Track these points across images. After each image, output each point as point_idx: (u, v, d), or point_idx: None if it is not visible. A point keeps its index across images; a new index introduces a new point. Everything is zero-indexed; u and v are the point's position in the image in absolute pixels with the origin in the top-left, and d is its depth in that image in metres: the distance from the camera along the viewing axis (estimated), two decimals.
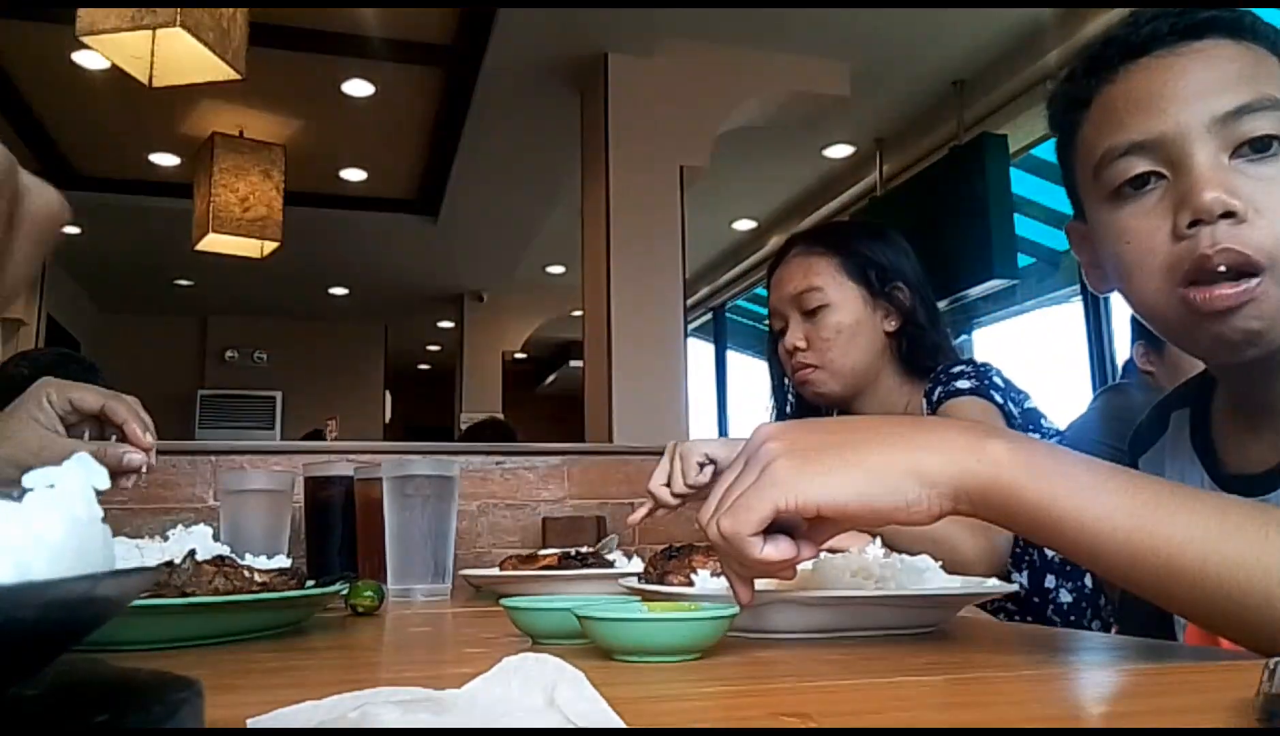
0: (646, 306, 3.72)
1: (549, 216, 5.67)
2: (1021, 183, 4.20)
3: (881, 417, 1.12)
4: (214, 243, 4.30)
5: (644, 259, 3.76)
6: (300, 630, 0.81)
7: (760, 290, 6.52)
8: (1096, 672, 0.56)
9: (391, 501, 1.20)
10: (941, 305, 1.58)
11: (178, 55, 2.69)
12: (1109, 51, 0.76)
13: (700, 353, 7.18)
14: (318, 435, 5.75)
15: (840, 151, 4.92)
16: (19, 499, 0.27)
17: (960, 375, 1.30)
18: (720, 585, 0.73)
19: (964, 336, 4.73)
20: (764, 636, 0.67)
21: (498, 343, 8.02)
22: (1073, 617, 1.30)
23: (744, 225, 6.11)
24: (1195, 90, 0.70)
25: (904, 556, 0.77)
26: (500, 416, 6.43)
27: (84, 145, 4.92)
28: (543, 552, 1.22)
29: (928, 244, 1.73)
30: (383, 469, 1.23)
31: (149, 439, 1.01)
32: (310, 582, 0.83)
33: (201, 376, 8.01)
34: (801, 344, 1.42)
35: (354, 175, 5.44)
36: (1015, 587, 0.82)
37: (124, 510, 2.03)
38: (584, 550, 1.20)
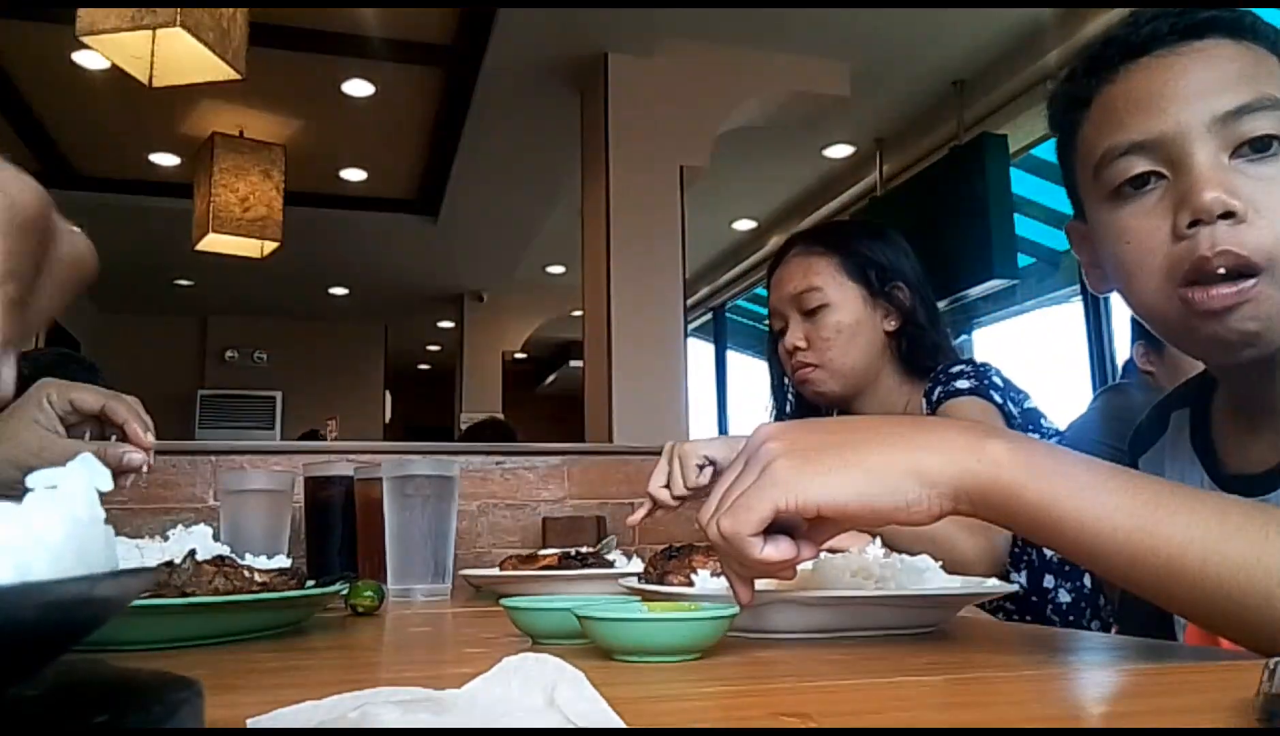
0: (646, 306, 3.72)
1: (549, 216, 5.67)
2: (1021, 183, 4.20)
3: (881, 418, 1.12)
4: (214, 243, 4.30)
5: (644, 259, 3.76)
6: (300, 630, 0.81)
7: (760, 290, 6.52)
8: (1096, 672, 0.56)
9: (391, 501, 1.20)
10: (941, 305, 1.58)
11: (178, 55, 2.69)
12: (1109, 51, 0.76)
13: (700, 353, 7.18)
14: (314, 435, 5.75)
15: (840, 151, 4.92)
16: (21, 500, 0.27)
17: (960, 375, 1.30)
18: (720, 585, 0.73)
19: (964, 336, 4.73)
20: (764, 636, 0.67)
21: (498, 343, 8.03)
22: (1071, 617, 1.30)
23: (744, 225, 6.11)
24: (1195, 90, 0.70)
25: (904, 556, 0.77)
26: (500, 416, 6.43)
27: (84, 145, 4.92)
28: (543, 552, 1.22)
29: (928, 244, 1.73)
30: (383, 469, 1.23)
31: (150, 439, 1.01)
32: (310, 582, 0.83)
33: (201, 376, 8.00)
34: (801, 343, 1.42)
35: (354, 175, 5.44)
36: (1015, 588, 0.82)
37: (124, 510, 2.03)
38: (584, 550, 1.20)
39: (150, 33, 2.61)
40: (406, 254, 6.59)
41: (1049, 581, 1.30)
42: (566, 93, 4.11)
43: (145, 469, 1.00)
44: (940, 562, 0.78)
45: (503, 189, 5.28)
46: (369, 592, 0.95)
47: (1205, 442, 0.83)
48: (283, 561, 0.86)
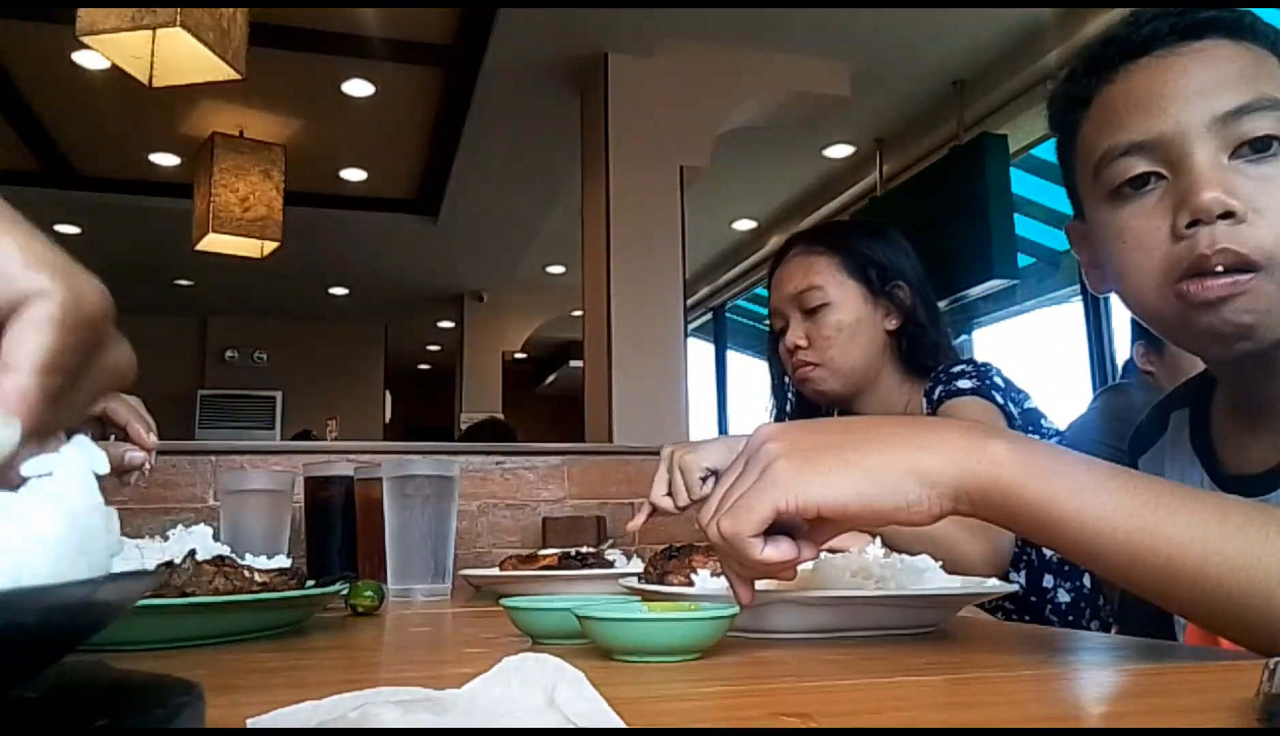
0: (646, 306, 3.72)
1: (549, 216, 5.67)
2: (1021, 183, 4.20)
3: (882, 418, 1.12)
4: (214, 243, 4.30)
5: (644, 259, 3.76)
6: (300, 630, 0.81)
7: (760, 290, 6.52)
8: (1096, 672, 0.56)
9: (391, 501, 1.20)
10: (941, 305, 1.58)
11: (178, 55, 2.69)
12: (1109, 51, 0.76)
13: (700, 353, 7.18)
14: (307, 435, 5.75)
15: (840, 151, 4.92)
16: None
17: (961, 375, 1.30)
18: (720, 585, 0.73)
19: (964, 336, 4.73)
20: (764, 636, 0.67)
21: (498, 343, 8.03)
22: (1071, 617, 1.30)
23: (744, 225, 6.11)
24: (1195, 90, 0.70)
25: (904, 556, 0.77)
26: (500, 416, 6.43)
27: (84, 145, 4.92)
28: (543, 552, 1.22)
29: (928, 244, 1.73)
30: (383, 469, 1.23)
31: (151, 439, 1.01)
32: (310, 582, 0.83)
33: (201, 376, 8.01)
34: (802, 342, 1.42)
35: (354, 175, 5.44)
36: (1015, 588, 0.81)
37: (124, 510, 2.02)
38: (584, 550, 1.20)
39: (150, 33, 2.61)
40: (406, 254, 6.59)
41: (1048, 581, 1.30)
42: (566, 93, 4.11)
43: (146, 468, 1.00)
44: (940, 563, 0.78)
45: (503, 189, 5.28)
46: (369, 592, 0.95)
47: (1205, 443, 0.83)
48: (283, 561, 0.86)
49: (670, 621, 0.56)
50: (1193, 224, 0.68)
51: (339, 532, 1.46)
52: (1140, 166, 0.72)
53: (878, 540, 0.81)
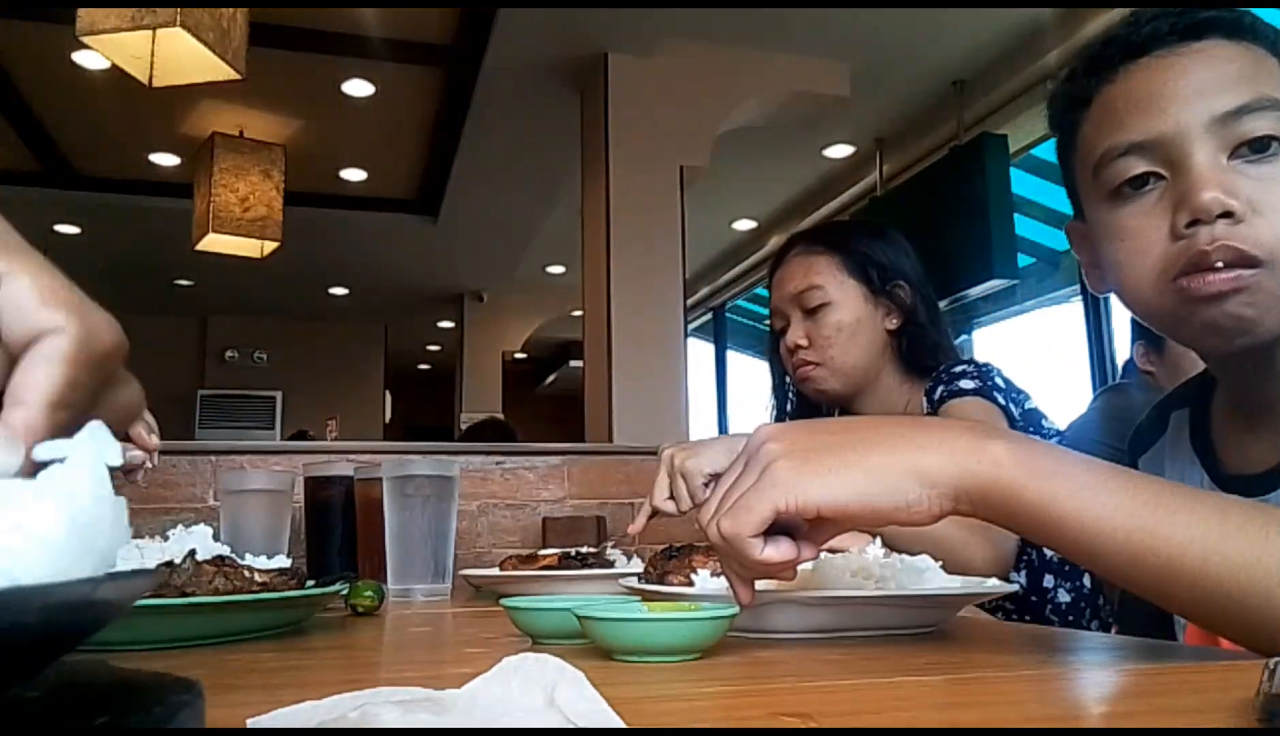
0: (646, 306, 3.72)
1: (549, 216, 5.67)
2: (1021, 183, 4.20)
3: (882, 418, 1.12)
4: (214, 243, 4.30)
5: (644, 259, 3.76)
6: (300, 630, 0.81)
7: (760, 290, 6.52)
8: (1096, 672, 0.56)
9: (391, 501, 1.20)
10: (941, 305, 1.58)
11: (178, 55, 2.69)
12: (1109, 51, 0.76)
13: (700, 353, 7.18)
14: (303, 435, 5.75)
15: (840, 151, 4.92)
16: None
17: (963, 375, 1.30)
18: (720, 585, 0.73)
19: (964, 336, 4.73)
20: (764, 636, 0.67)
21: (498, 343, 8.03)
22: (1071, 617, 1.30)
23: (744, 225, 6.11)
24: (1195, 90, 0.70)
25: (904, 556, 0.77)
26: (500, 416, 6.43)
27: (84, 145, 4.92)
28: (543, 552, 1.22)
29: (928, 244, 1.73)
30: (383, 469, 1.23)
31: (153, 440, 1.01)
32: (310, 582, 0.83)
33: (201, 376, 8.01)
34: (803, 342, 1.42)
35: (354, 175, 5.44)
36: (1015, 588, 0.81)
37: None
38: (584, 550, 1.20)
39: (150, 33, 2.61)
40: (406, 254, 6.59)
41: (1049, 581, 1.30)
42: (566, 93, 4.11)
43: (148, 466, 1.00)
44: (941, 563, 0.78)
45: (503, 189, 5.28)
46: (369, 592, 0.95)
47: (1205, 443, 0.83)
48: (283, 561, 0.86)
49: (670, 621, 0.56)
50: (1192, 224, 0.68)
51: (339, 532, 1.46)
52: (1140, 166, 0.72)
53: (878, 540, 0.81)
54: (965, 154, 4.04)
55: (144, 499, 2.06)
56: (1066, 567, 1.30)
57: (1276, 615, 0.49)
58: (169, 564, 0.72)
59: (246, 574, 0.75)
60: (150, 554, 0.82)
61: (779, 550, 0.57)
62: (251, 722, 0.32)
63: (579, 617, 0.56)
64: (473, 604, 1.13)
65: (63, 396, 0.33)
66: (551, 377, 10.28)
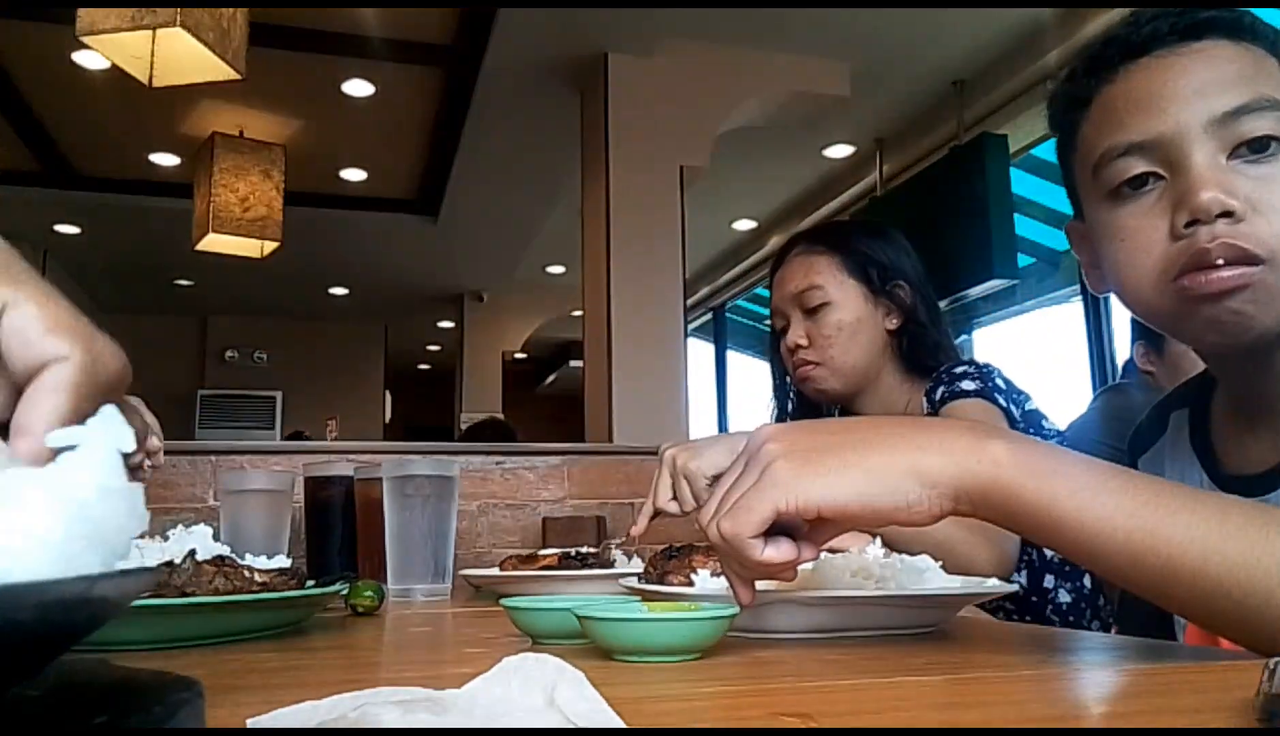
0: (646, 306, 3.72)
1: (549, 216, 5.67)
2: (1021, 183, 4.20)
3: (882, 418, 1.12)
4: (214, 243, 4.30)
5: (644, 259, 3.76)
6: (300, 630, 0.81)
7: (760, 290, 6.53)
8: (1096, 672, 0.56)
9: (391, 501, 1.20)
10: (941, 305, 1.58)
11: (178, 55, 2.69)
12: (1109, 51, 0.76)
13: (700, 353, 7.18)
14: (299, 436, 5.75)
15: (840, 151, 4.92)
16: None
17: (964, 376, 1.30)
18: (720, 585, 0.73)
19: (964, 336, 4.73)
20: (764, 636, 0.67)
21: (498, 342, 8.03)
22: (1071, 618, 1.30)
23: (744, 225, 6.11)
24: (1194, 90, 0.70)
25: (904, 556, 0.77)
26: (500, 416, 6.43)
27: (84, 145, 4.92)
28: (543, 552, 1.22)
29: (928, 244, 1.73)
30: (383, 469, 1.23)
31: (154, 442, 1.01)
32: (310, 582, 0.83)
33: (201, 376, 8.01)
34: (803, 342, 1.42)
35: (354, 175, 5.44)
36: (1015, 588, 0.81)
37: None
38: (584, 550, 1.20)
39: (150, 33, 2.61)
40: (406, 254, 6.59)
41: (1049, 581, 1.30)
42: (566, 93, 4.11)
43: (148, 466, 1.00)
44: (941, 564, 0.78)
45: (503, 189, 5.28)
46: (369, 592, 0.95)
47: (1204, 443, 0.83)
48: (283, 561, 0.86)
49: (670, 621, 0.56)
50: (1191, 224, 0.68)
51: (339, 532, 1.46)
52: (1139, 166, 0.72)
53: (878, 540, 0.81)
54: (965, 154, 4.04)
55: None
56: (1067, 568, 1.30)
57: (1276, 615, 0.49)
58: (169, 564, 0.72)
59: (246, 574, 0.75)
60: (150, 554, 0.81)
61: (779, 550, 0.57)
62: (251, 722, 0.32)
63: (579, 617, 0.56)
64: (473, 604, 1.13)
65: (67, 425, 0.33)
66: (551, 378, 10.28)
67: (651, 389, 3.65)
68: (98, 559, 0.27)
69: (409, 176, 5.47)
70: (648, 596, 0.76)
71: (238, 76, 2.78)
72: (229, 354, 8.11)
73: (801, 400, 1.52)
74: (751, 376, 6.91)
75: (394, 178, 5.50)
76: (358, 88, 4.32)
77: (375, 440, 6.40)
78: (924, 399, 1.35)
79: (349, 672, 0.61)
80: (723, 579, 0.66)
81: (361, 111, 4.54)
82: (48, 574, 0.25)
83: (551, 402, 9.62)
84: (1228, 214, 0.67)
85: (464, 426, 6.65)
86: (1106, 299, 3.65)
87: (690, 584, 0.78)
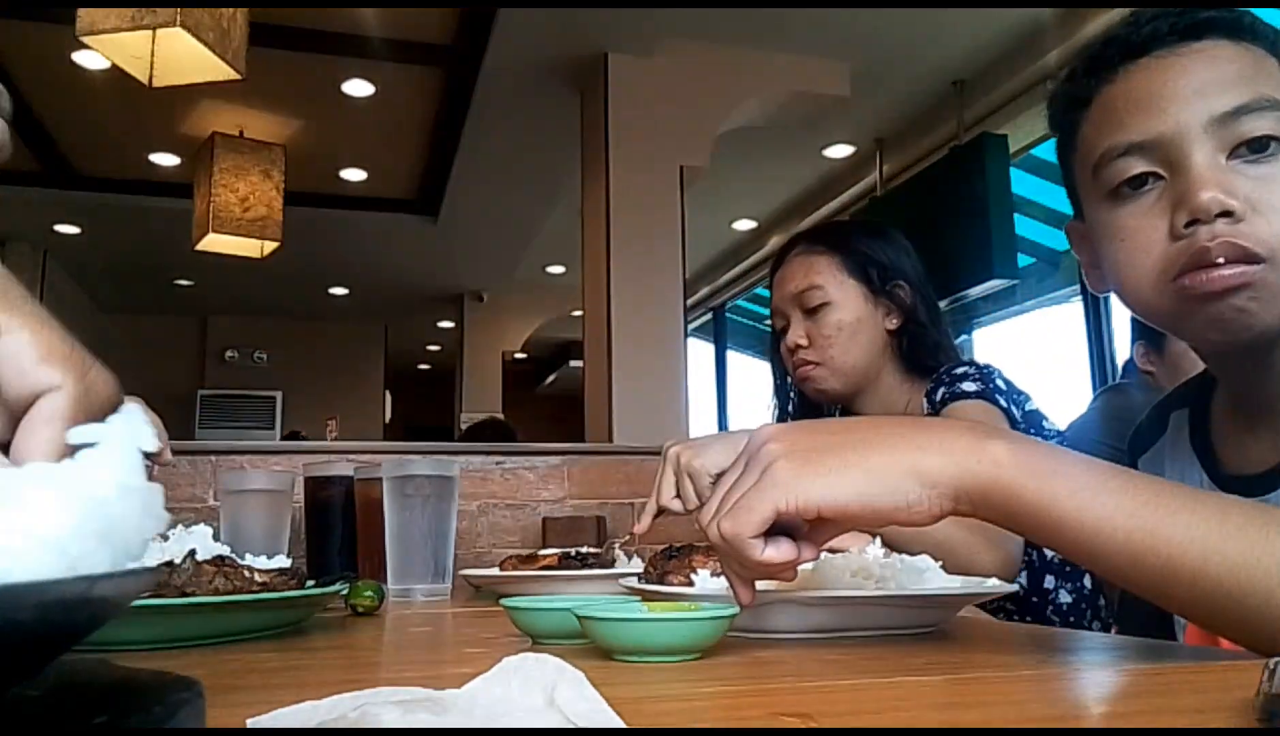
0: (646, 306, 3.72)
1: (549, 216, 5.67)
2: (1021, 183, 4.20)
3: (882, 418, 1.12)
4: (214, 243, 4.30)
5: (644, 259, 3.77)
6: (300, 630, 0.81)
7: (760, 290, 6.53)
8: (1096, 672, 0.56)
9: (391, 501, 1.20)
10: (941, 305, 1.58)
11: (178, 55, 2.69)
12: (1109, 51, 0.76)
13: (700, 353, 7.18)
14: (295, 437, 5.75)
15: (840, 151, 4.92)
16: None
17: (965, 377, 1.30)
18: (720, 585, 0.73)
19: (964, 336, 4.73)
20: (764, 636, 0.67)
21: (498, 343, 8.03)
22: (1072, 618, 1.30)
23: (744, 225, 6.11)
24: (1194, 90, 0.70)
25: (904, 556, 0.77)
26: (500, 416, 6.43)
27: (84, 145, 4.92)
28: (543, 552, 1.22)
29: (928, 244, 1.73)
30: (383, 469, 1.23)
31: (154, 443, 1.01)
32: (310, 582, 0.83)
33: (201, 376, 8.01)
34: (803, 341, 1.42)
35: (354, 175, 5.44)
36: (1015, 588, 0.81)
37: None
38: (584, 550, 1.20)
39: (150, 33, 2.61)
40: (406, 254, 6.59)
41: (1049, 582, 1.30)
42: (566, 93, 4.11)
43: (155, 469, 0.99)
44: (941, 564, 0.78)
45: (503, 189, 5.28)
46: (369, 592, 0.95)
47: (1205, 443, 0.83)
48: (283, 561, 0.86)
49: (670, 621, 0.56)
50: (1191, 223, 0.68)
51: (339, 532, 1.46)
52: (1138, 166, 0.72)
53: (878, 540, 0.81)
54: (965, 154, 4.04)
55: None
56: (1067, 568, 1.30)
57: (1276, 615, 0.49)
58: (169, 564, 0.72)
59: (246, 574, 0.75)
60: (150, 554, 0.81)
61: (779, 551, 0.57)
62: (251, 722, 0.32)
63: (579, 617, 0.56)
64: (473, 604, 1.13)
65: (63, 457, 0.33)
66: (551, 378, 10.28)
67: (651, 389, 3.65)
68: (109, 557, 0.27)
69: (409, 176, 5.47)
70: (648, 596, 0.76)
71: (238, 76, 2.78)
72: (229, 354, 8.11)
73: (802, 400, 1.52)
74: (751, 376, 6.92)
75: (394, 178, 5.50)
76: (358, 88, 4.32)
77: (375, 440, 6.40)
78: (924, 399, 1.35)
79: (349, 672, 0.61)
80: (723, 579, 0.66)
81: (361, 111, 4.54)
82: (51, 573, 0.25)
83: (551, 402, 9.62)
84: (1227, 214, 0.67)
85: (464, 426, 6.65)
86: (1106, 299, 3.65)
87: (690, 584, 0.78)
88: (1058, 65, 3.69)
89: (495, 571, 1.20)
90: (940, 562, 0.78)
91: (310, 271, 6.85)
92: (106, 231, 6.00)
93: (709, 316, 7.32)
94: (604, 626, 0.55)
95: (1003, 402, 1.28)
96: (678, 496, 1.05)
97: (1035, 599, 1.30)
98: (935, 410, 1.30)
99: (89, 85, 4.13)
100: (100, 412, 0.36)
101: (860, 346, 1.41)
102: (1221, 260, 0.67)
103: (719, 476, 1.02)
